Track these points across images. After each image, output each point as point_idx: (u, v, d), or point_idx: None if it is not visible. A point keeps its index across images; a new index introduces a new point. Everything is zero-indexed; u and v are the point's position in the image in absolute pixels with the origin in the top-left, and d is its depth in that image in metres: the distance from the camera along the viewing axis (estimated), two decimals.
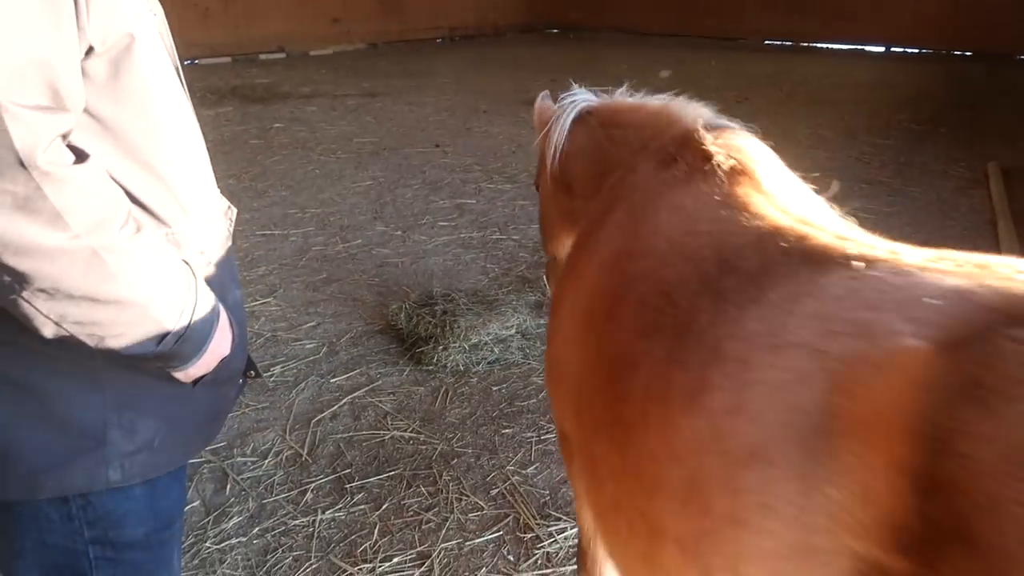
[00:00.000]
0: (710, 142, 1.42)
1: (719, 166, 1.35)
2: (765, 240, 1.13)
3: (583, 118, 1.85)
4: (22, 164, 0.85)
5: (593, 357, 1.31)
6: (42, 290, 0.91)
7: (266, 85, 9.90)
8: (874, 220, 5.20)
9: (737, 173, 1.33)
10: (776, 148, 1.47)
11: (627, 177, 1.55)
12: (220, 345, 1.14)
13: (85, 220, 0.91)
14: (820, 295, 0.98)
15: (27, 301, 0.91)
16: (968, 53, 14.20)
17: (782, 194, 1.30)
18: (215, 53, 11.75)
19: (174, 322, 1.03)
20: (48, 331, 0.95)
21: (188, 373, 1.12)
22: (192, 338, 1.06)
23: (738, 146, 1.41)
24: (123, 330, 0.99)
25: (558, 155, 1.86)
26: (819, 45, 15.35)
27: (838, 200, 1.35)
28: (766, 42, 15.74)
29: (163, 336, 1.02)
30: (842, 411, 0.87)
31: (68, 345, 0.98)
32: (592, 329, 1.35)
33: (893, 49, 14.87)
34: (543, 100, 2.09)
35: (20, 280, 0.89)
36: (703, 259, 1.17)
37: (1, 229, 0.86)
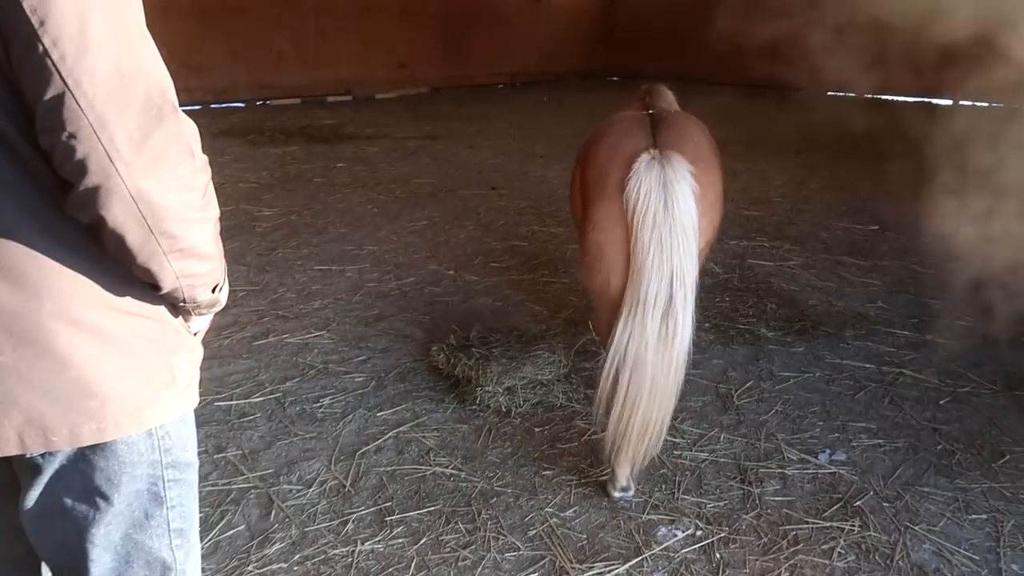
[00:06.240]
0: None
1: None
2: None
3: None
4: (192, 154, 1.14)
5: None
6: (180, 250, 1.15)
7: (332, 126, 10.26)
8: None
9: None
10: None
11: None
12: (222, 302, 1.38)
13: (211, 195, 1.20)
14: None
15: (167, 259, 1.14)
16: None
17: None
18: (286, 95, 12.23)
19: (222, 274, 1.31)
20: (167, 285, 1.18)
21: (203, 323, 1.39)
22: (223, 288, 1.34)
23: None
24: (206, 280, 1.26)
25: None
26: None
27: None
28: (828, 94, 15.59)
29: (216, 285, 1.30)
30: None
31: (150, 300, 1.22)
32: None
33: None
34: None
35: (170, 242, 1.13)
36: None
37: (173, 203, 1.10)
